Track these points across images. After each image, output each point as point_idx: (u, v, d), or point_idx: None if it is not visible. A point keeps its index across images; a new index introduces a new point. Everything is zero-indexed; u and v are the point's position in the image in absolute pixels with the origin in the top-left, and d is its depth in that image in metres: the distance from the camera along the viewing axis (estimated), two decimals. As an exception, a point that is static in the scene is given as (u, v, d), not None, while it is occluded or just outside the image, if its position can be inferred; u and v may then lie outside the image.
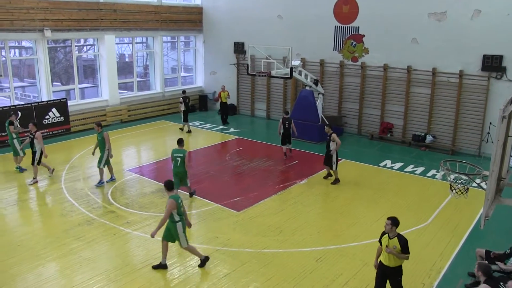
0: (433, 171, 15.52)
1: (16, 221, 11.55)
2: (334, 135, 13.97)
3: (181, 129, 20.83)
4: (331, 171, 14.49)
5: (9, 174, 14.77)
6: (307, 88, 19.45)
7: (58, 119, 19.34)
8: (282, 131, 16.72)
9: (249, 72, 19.31)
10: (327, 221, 11.78)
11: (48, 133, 18.96)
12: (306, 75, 19.11)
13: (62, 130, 19.49)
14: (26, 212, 12.04)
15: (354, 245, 10.42)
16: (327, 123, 13.83)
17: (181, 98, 20.54)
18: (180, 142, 12.69)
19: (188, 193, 13.08)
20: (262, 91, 23.65)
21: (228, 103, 22.67)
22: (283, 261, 9.65)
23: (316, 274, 9.17)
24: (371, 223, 11.53)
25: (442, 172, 9.09)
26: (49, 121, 19.00)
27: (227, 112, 22.65)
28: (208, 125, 21.85)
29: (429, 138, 18.17)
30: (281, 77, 18.77)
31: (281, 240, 10.60)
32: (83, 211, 11.98)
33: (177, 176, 12.48)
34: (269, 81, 22.88)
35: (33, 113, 18.39)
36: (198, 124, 21.93)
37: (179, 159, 12.34)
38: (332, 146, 13.93)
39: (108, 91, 21.58)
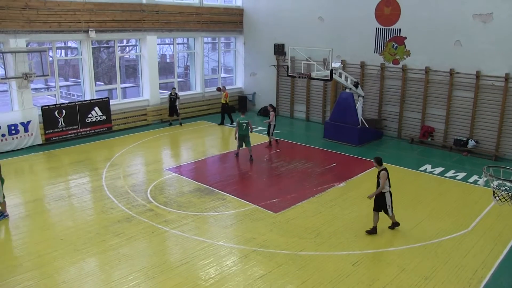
0: (475, 177, 15.11)
1: (59, 216, 11.90)
2: (381, 173, 10.60)
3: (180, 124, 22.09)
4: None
5: (53, 170, 15.24)
6: (347, 90, 19.28)
7: (100, 118, 19.83)
8: (274, 123, 18.59)
9: (289, 74, 19.27)
10: (365, 225, 11.62)
11: (90, 131, 19.49)
12: (346, 77, 18.95)
13: (104, 129, 19.97)
14: (69, 208, 12.39)
15: (392, 250, 10.26)
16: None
17: (175, 94, 21.63)
18: (244, 112, 17.43)
19: (249, 156, 16.46)
20: (301, 92, 23.59)
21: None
22: (320, 264, 9.60)
23: (352, 279, 9.08)
24: (410, 228, 11.32)
25: (485, 178, 8.83)
26: (91, 119, 19.50)
27: (226, 113, 22.48)
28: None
29: (471, 143, 17.70)
30: (321, 79, 18.65)
31: (318, 242, 10.55)
32: (123, 208, 12.25)
33: (243, 139, 16.36)
34: (309, 83, 22.79)
35: (77, 112, 18.97)
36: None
37: (245, 124, 16.25)
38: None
39: (149, 91, 21.97)
